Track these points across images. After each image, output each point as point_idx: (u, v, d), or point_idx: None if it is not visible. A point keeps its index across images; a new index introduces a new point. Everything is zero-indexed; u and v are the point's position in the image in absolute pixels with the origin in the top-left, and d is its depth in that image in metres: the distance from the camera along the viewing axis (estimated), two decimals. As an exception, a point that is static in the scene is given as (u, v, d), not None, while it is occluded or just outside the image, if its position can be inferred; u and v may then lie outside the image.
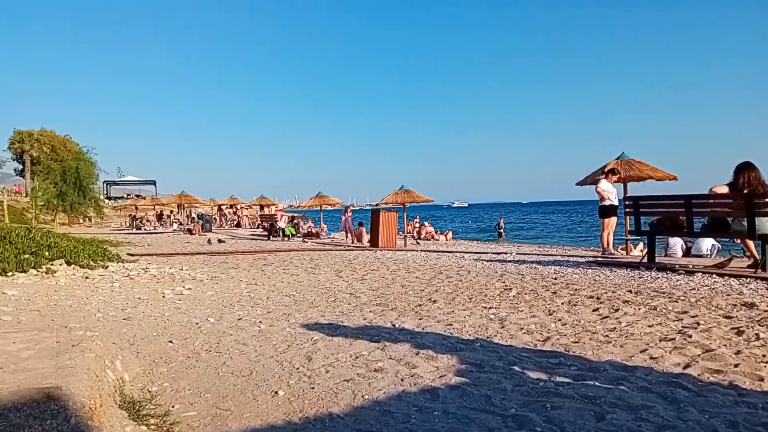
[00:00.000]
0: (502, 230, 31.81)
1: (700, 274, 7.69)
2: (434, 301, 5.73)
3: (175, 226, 34.64)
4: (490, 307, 5.32)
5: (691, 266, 8.22)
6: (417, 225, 25.79)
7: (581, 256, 11.40)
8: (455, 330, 4.28)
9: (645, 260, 8.93)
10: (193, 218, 40.42)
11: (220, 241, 19.52)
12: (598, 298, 5.82)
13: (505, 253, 12.90)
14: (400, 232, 22.36)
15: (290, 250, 14.37)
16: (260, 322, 4.75)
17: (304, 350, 3.76)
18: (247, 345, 3.97)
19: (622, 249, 13.07)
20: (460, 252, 14.09)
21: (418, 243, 21.85)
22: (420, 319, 4.76)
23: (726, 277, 7.34)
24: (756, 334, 4.04)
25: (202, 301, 6.05)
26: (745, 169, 7.61)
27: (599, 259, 10.30)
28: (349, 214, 23.78)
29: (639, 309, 5.17)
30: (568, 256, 11.73)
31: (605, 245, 11.34)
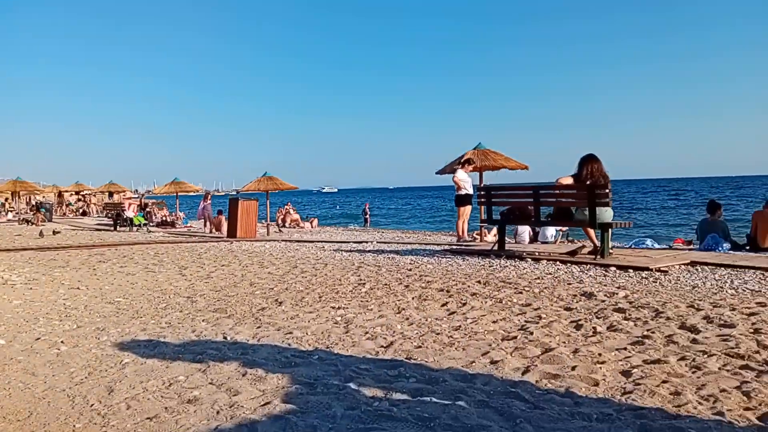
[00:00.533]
0: (368, 216, 32.03)
1: (546, 261, 7.98)
2: (280, 303, 5.30)
3: (10, 215, 30.84)
4: (339, 307, 5.00)
5: (537, 253, 8.52)
6: (291, 213, 25.04)
7: (438, 244, 11.54)
8: (295, 339, 3.89)
9: (496, 248, 9.16)
10: (33, 207, 36.41)
11: (55, 232, 17.52)
12: (447, 291, 5.74)
13: (367, 242, 12.76)
14: (262, 221, 21.58)
15: (135, 243, 13.16)
16: (62, 342, 4.02)
17: (107, 379, 3.17)
18: (36, 375, 3.28)
19: (477, 234, 13.50)
20: (323, 241, 13.76)
21: (281, 232, 21.23)
22: (258, 327, 4.31)
23: (568, 264, 7.66)
24: (593, 328, 4.08)
25: (0, 315, 5.12)
26: (588, 161, 7.97)
27: (454, 247, 10.45)
28: (208, 202, 22.42)
29: (485, 302, 5.13)
30: (426, 243, 11.83)
31: (460, 233, 11.57)
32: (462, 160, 11.97)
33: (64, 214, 41.18)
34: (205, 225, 21.55)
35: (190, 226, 25.40)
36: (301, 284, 6.48)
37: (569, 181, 8.06)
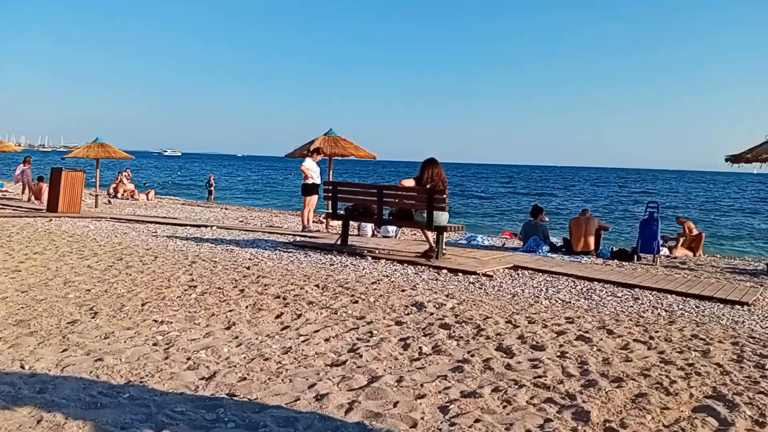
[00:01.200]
0: (212, 188, 30.63)
1: (385, 261, 8.17)
2: (96, 313, 4.81)
3: None
4: (162, 321, 4.66)
5: (378, 251, 8.69)
6: (125, 183, 22.99)
7: (283, 233, 11.33)
8: (105, 369, 3.53)
9: (339, 242, 9.20)
10: None
11: None
12: (284, 299, 5.61)
13: (206, 227, 12.16)
14: (91, 190, 19.77)
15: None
16: None
17: None
18: None
19: (324, 218, 13.51)
20: (156, 221, 12.86)
21: (110, 203, 19.59)
22: (65, 350, 3.86)
23: (405, 265, 7.91)
24: (419, 348, 4.21)
25: None
26: (429, 165, 8.25)
27: (298, 239, 10.34)
28: (28, 166, 20.02)
29: (321, 314, 5.09)
30: (270, 232, 11.55)
31: (305, 222, 11.47)
32: (311, 149, 11.83)
33: None
34: (23, 191, 19.26)
35: (5, 191, 22.54)
36: (123, 285, 5.96)
37: (411, 183, 8.30)
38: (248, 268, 7.20)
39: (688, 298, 6.70)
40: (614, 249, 10.38)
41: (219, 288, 5.99)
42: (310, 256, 8.40)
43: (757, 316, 5.96)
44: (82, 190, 14.47)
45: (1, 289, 5.57)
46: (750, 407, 3.28)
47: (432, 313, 5.26)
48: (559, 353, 4.23)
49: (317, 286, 6.28)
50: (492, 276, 7.49)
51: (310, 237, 10.55)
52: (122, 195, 21.98)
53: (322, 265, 7.65)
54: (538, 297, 6.42)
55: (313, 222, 12.51)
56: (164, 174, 61.68)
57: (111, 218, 13.20)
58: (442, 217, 8.08)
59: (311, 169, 11.24)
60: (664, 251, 10.87)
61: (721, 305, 6.42)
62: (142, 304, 5.18)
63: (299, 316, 5.02)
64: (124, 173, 23.34)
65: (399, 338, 4.46)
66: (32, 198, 18.03)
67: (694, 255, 11.44)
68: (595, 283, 7.38)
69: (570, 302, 6.24)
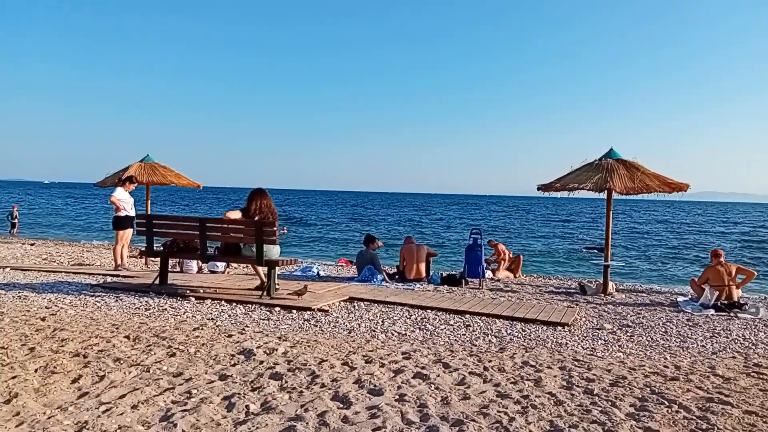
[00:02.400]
0: (16, 221, 26.84)
1: (210, 301, 7.48)
2: None
3: None
4: None
5: (202, 291, 7.96)
6: None
7: (92, 274, 9.98)
8: None
9: (157, 282, 8.28)
10: None
11: None
12: (85, 357, 4.75)
13: (-5, 268, 10.35)
14: None
15: None
16: None
17: None
18: None
19: (139, 254, 12.22)
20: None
21: None
22: None
23: (233, 305, 7.30)
24: (246, 407, 3.71)
25: None
26: (257, 196, 7.76)
27: (108, 279, 9.17)
28: None
29: (129, 373, 4.35)
30: (77, 273, 10.11)
31: (118, 260, 10.27)
32: (123, 178, 10.69)
33: None
34: None
35: None
36: None
37: (237, 215, 7.74)
38: (43, 319, 6.09)
39: (514, 322, 6.96)
40: (443, 275, 10.67)
41: (1, 348, 4.92)
42: (121, 300, 7.41)
43: (577, 336, 6.32)
44: None
45: None
46: (583, 439, 3.29)
47: (262, 362, 4.76)
48: (397, 396, 3.99)
49: (127, 337, 5.45)
50: (327, 311, 7.18)
51: (124, 277, 9.42)
52: None
53: (135, 311, 6.75)
54: (374, 331, 6.22)
55: (129, 257, 11.26)
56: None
57: None
58: (273, 251, 7.61)
59: (123, 199, 10.10)
60: (489, 274, 11.42)
61: (545, 327, 6.75)
62: None
63: (102, 378, 4.23)
64: None
65: (222, 396, 3.92)
66: None
67: (515, 276, 12.20)
68: (429, 311, 7.40)
69: (406, 334, 6.12)
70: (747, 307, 8.46)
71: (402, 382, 4.31)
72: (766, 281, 14.89)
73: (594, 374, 4.72)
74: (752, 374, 4.98)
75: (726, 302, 8.55)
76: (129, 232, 10.20)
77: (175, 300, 7.44)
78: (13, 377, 4.19)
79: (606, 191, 9.60)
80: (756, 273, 9.33)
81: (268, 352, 5.07)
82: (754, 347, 6.27)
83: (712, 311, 8.31)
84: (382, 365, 4.77)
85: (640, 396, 4.17)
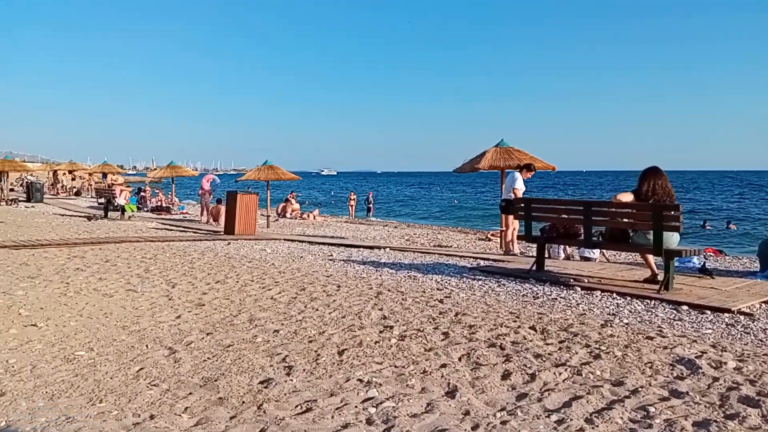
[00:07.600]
0: (371, 205, 30.82)
1: (600, 292, 6.77)
2: (290, 367, 4.08)
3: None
4: (369, 382, 3.78)
5: (586, 280, 7.30)
6: (292, 203, 23.73)
7: (461, 256, 10.28)
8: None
9: (534, 268, 7.94)
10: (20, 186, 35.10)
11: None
12: (501, 348, 4.52)
13: (379, 248, 11.49)
14: (262, 210, 20.33)
15: (122, 241, 11.88)
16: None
17: None
18: None
19: (492, 235, 12.28)
20: (328, 242, 12.52)
21: (278, 220, 20.10)
22: (262, 428, 3.09)
23: (629, 299, 6.46)
24: (736, 444, 2.87)
25: None
26: (650, 175, 6.75)
27: (481, 263, 9.23)
28: (207, 188, 19.97)
29: (559, 374, 3.92)
30: (447, 254, 10.56)
31: (511, 246, 10.37)
32: (521, 165, 10.67)
33: (57, 193, 39.90)
34: (201, 213, 20.20)
35: (186, 213, 24.20)
36: (312, 324, 5.27)
37: (629, 197, 6.83)
38: (441, 302, 6.23)
39: None
40: None
41: (418, 330, 5.05)
42: (504, 285, 7.24)
43: None
44: (256, 212, 14.68)
45: (185, 330, 5.11)
46: None
47: (716, 378, 3.83)
48: None
49: (533, 329, 5.10)
50: (752, 315, 5.80)
51: (495, 261, 9.40)
52: (290, 214, 22.52)
53: (524, 299, 6.46)
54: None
55: (507, 242, 11.01)
56: (323, 192, 64.20)
57: (285, 239, 13.12)
58: (672, 239, 6.52)
59: (521, 188, 10.13)
60: None
61: None
62: (339, 353, 4.38)
63: (532, 377, 3.88)
64: (291, 194, 24.02)
65: (693, 422, 3.14)
66: (210, 220, 18.83)
67: None
68: None
69: None
70: None
71: None
72: None
73: None
74: None
75: None
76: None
77: (559, 289, 6.95)
78: (443, 365, 4.13)
79: None
80: None
81: (714, 365, 4.10)
82: None
83: None
84: None
85: None
